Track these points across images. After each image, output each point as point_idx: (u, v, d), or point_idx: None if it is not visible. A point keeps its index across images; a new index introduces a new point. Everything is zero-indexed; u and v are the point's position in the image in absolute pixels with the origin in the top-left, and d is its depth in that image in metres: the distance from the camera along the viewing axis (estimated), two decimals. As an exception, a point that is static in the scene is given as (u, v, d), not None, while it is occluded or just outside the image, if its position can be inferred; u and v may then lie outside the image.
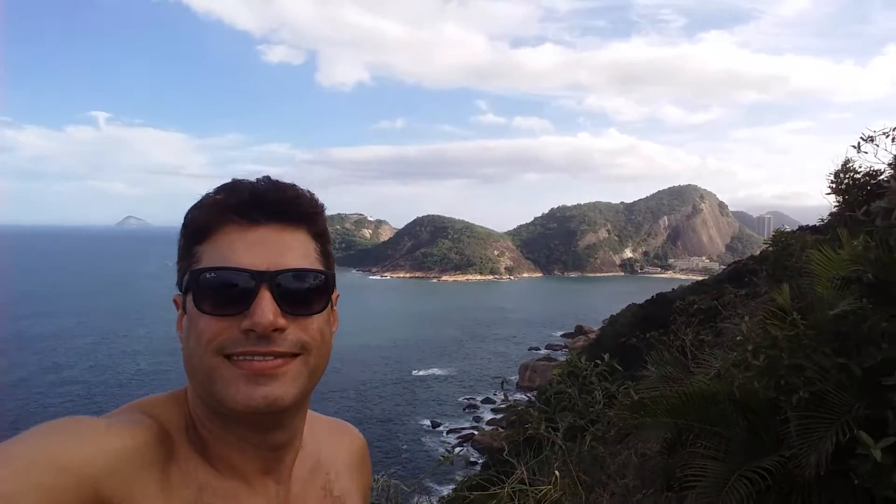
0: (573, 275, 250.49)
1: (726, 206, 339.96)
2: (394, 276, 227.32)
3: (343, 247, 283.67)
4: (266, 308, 0.80)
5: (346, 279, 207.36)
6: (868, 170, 5.79)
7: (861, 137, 5.25)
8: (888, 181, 4.09)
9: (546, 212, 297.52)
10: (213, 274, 0.83)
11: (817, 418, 3.72)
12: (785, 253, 6.82)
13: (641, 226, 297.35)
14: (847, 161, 5.82)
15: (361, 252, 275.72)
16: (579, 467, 5.18)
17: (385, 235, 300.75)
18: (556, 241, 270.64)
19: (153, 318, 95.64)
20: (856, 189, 5.63)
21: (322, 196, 0.92)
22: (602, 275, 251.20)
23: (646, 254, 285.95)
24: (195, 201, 0.90)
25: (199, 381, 0.86)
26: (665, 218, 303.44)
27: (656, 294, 45.26)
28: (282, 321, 0.82)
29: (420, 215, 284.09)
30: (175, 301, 0.93)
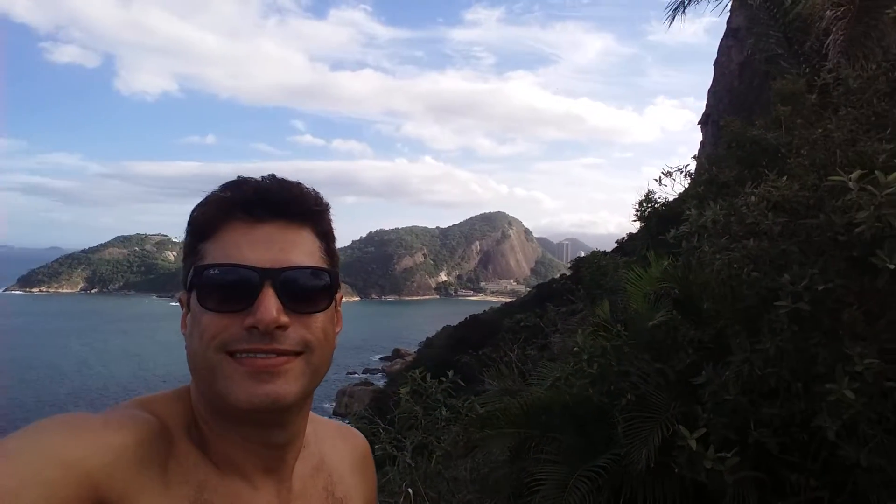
0: (390, 298, 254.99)
1: (531, 233, 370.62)
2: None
3: (142, 270, 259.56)
4: (269, 305, 0.80)
5: (143, 308, 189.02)
6: (665, 200, 6.75)
7: (662, 172, 6.10)
8: (689, 209, 4.79)
9: (364, 235, 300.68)
10: (216, 270, 0.83)
11: (642, 418, 4.20)
12: (599, 273, 7.68)
13: (455, 250, 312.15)
14: (648, 192, 6.75)
15: (164, 276, 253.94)
16: (427, 483, 5.25)
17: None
18: (373, 265, 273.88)
19: None
20: (656, 216, 6.52)
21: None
22: (419, 298, 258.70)
23: (459, 277, 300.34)
24: (200, 199, 0.89)
25: (202, 378, 0.85)
26: (477, 243, 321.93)
27: (469, 316, 47.74)
28: (285, 319, 0.81)
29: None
30: (180, 300, 0.92)
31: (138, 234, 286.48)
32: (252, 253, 0.83)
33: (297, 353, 0.84)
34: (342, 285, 1.00)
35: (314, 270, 0.87)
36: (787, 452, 3.66)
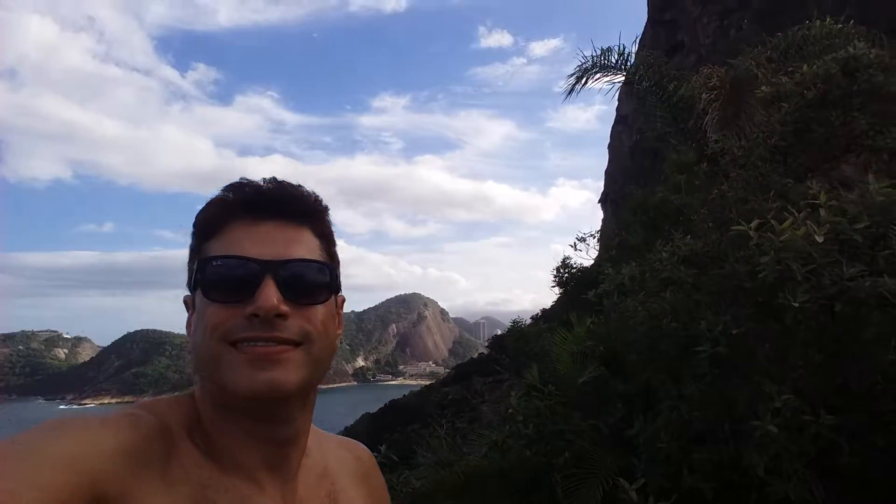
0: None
1: (447, 313, 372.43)
2: (96, 402, 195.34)
3: (27, 371, 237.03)
4: (270, 294, 0.82)
5: (27, 413, 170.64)
6: (580, 266, 7.08)
7: (577, 238, 6.43)
8: (606, 269, 5.06)
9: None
10: (219, 262, 0.86)
11: (582, 475, 4.22)
12: (522, 341, 7.83)
13: (372, 334, 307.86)
14: (565, 258, 7.09)
15: (54, 377, 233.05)
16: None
17: (86, 355, 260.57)
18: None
19: None
20: (574, 280, 6.81)
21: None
22: (336, 385, 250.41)
23: (377, 361, 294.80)
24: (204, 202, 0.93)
25: (205, 369, 0.87)
26: (393, 325, 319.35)
27: (389, 401, 46.60)
28: (284, 308, 0.84)
29: (131, 330, 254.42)
30: (185, 302, 0.94)
31: (23, 331, 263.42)
32: (254, 247, 0.86)
33: (298, 344, 0.86)
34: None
35: (314, 264, 0.90)
36: (721, 497, 3.77)
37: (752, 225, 3.45)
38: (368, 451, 1.22)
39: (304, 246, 0.90)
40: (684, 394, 3.86)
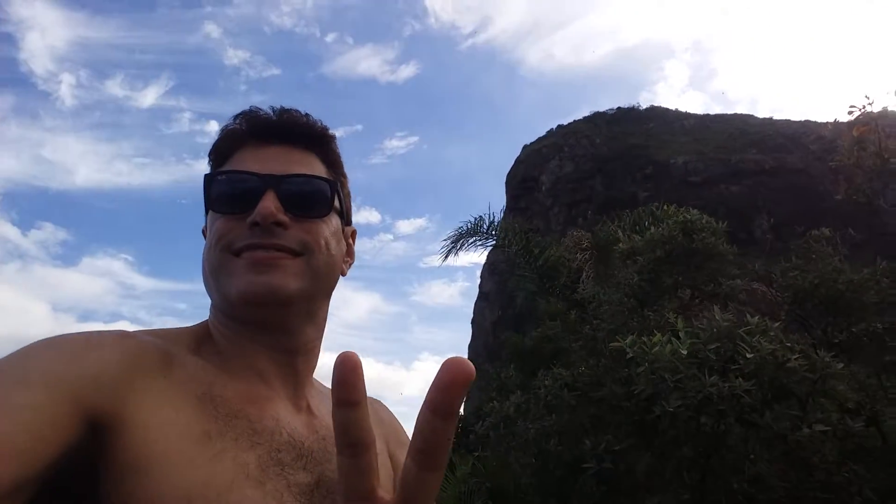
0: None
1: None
2: None
3: None
4: (269, 202, 0.85)
5: None
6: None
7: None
8: (492, 402, 5.25)
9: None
10: (223, 177, 0.90)
11: None
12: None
13: None
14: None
15: None
16: None
17: None
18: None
19: None
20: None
21: None
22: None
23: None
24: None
25: (212, 279, 0.88)
26: None
27: None
28: (283, 217, 0.86)
29: None
30: (203, 232, 0.96)
31: None
32: (256, 164, 0.90)
33: (297, 254, 0.87)
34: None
35: (315, 179, 0.93)
36: None
37: (628, 342, 3.87)
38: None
39: (308, 166, 0.94)
40: (574, 514, 3.94)
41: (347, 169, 1.04)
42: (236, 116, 0.95)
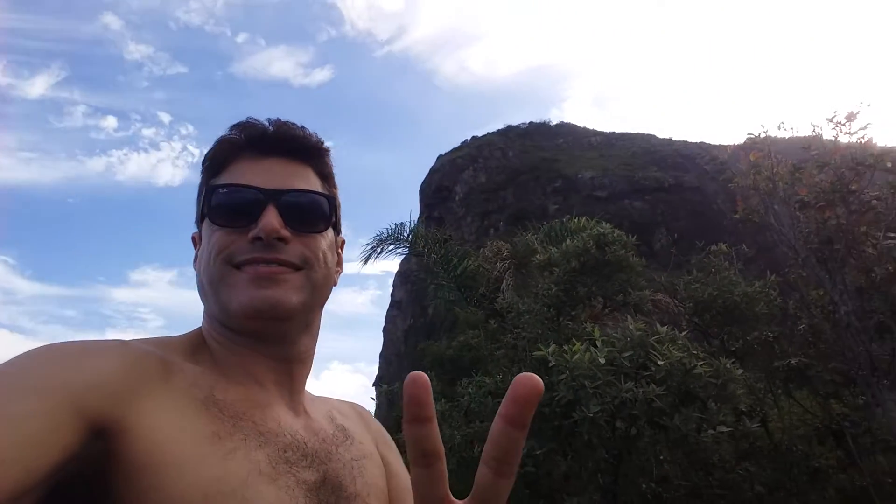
0: None
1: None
2: None
3: None
4: (271, 218, 0.87)
5: None
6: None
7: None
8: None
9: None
10: (225, 190, 0.91)
11: None
12: None
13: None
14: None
15: None
16: None
17: None
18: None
19: None
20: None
21: None
22: None
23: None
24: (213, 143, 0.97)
25: (210, 290, 0.89)
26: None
27: None
28: (285, 232, 0.88)
29: None
30: (193, 238, 0.97)
31: None
32: (257, 178, 0.91)
33: (298, 268, 0.89)
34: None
35: (314, 195, 0.95)
36: None
37: (550, 350, 4.04)
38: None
39: (306, 180, 0.95)
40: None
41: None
42: (233, 127, 0.96)
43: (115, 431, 0.67)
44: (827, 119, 5.48)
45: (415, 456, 0.55)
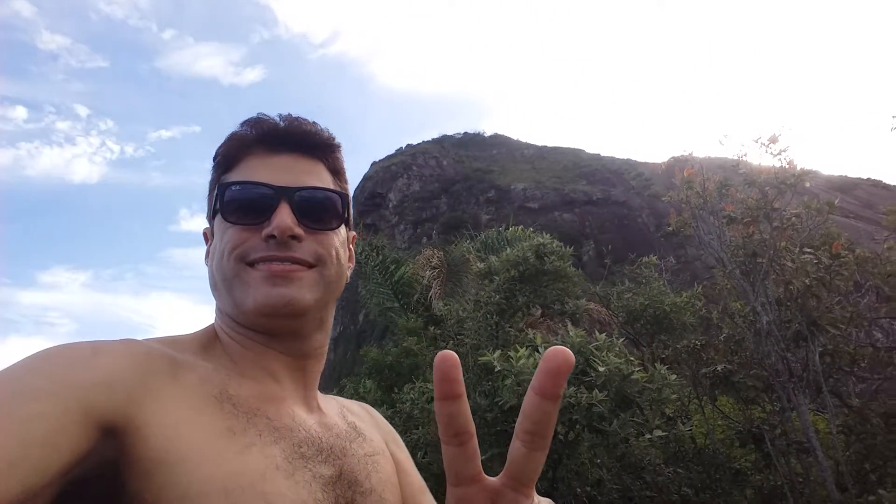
0: None
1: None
2: None
3: None
4: (285, 215, 0.87)
5: None
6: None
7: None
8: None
9: None
10: (238, 187, 0.90)
11: None
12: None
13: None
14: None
15: None
16: None
17: None
18: None
19: None
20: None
21: None
22: None
23: None
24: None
25: (223, 287, 0.89)
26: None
27: None
28: (299, 230, 0.88)
29: None
30: (204, 234, 0.98)
31: None
32: (270, 175, 0.90)
33: (311, 266, 0.89)
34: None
35: (326, 192, 0.94)
36: None
37: (496, 355, 4.09)
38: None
39: (318, 177, 0.95)
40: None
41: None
42: (243, 122, 0.95)
43: (127, 429, 0.66)
44: (753, 140, 5.86)
45: (447, 435, 0.57)
